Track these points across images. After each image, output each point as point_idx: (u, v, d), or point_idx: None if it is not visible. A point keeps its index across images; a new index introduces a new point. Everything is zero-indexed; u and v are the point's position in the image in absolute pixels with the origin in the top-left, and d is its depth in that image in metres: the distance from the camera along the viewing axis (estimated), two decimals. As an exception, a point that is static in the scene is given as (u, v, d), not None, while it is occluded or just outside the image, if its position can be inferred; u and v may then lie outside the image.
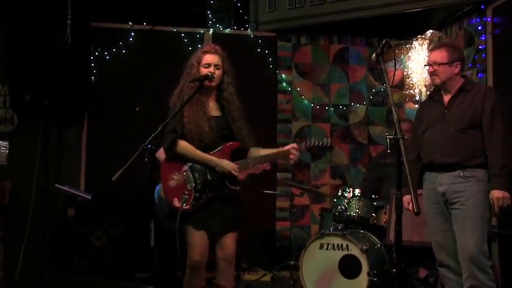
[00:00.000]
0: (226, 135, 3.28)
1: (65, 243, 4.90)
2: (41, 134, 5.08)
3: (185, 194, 3.15)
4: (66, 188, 4.72)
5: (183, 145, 3.21)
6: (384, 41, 2.71)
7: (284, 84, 5.87)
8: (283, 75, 5.86)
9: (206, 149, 3.21)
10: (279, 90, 5.85)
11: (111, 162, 4.95)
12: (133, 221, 4.85)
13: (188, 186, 3.19)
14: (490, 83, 4.57)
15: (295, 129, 5.82)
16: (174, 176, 3.22)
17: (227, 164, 3.17)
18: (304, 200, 5.66)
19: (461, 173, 3.24)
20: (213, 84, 3.28)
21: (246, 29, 5.90)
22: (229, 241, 3.27)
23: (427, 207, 3.43)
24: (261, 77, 5.71)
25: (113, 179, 4.69)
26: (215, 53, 3.31)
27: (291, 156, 3.23)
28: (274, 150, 3.32)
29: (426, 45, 5.80)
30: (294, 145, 3.25)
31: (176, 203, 3.16)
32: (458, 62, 3.36)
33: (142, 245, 4.60)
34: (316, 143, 3.22)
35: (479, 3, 4.76)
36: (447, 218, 3.33)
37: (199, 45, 5.71)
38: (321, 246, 4.24)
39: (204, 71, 3.26)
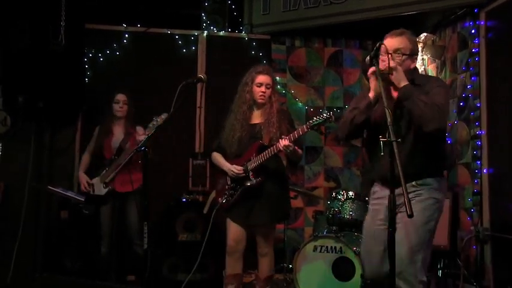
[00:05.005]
0: (259, 138, 3.69)
1: (57, 245, 4.88)
2: (34, 136, 5.04)
3: (225, 193, 3.76)
4: (59, 190, 4.68)
5: (213, 157, 3.89)
6: (377, 43, 2.71)
7: (278, 86, 5.86)
8: (278, 77, 5.84)
9: (242, 151, 3.72)
10: (273, 93, 5.85)
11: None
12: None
13: (227, 186, 3.77)
14: (483, 86, 4.58)
15: (289, 131, 5.82)
16: (220, 180, 3.87)
17: (227, 166, 3.75)
18: (298, 202, 5.66)
19: (414, 182, 2.91)
20: (263, 101, 3.74)
21: (240, 31, 5.90)
22: (261, 235, 3.76)
23: (371, 223, 3.07)
24: (255, 79, 5.69)
25: (107, 180, 4.71)
26: (267, 74, 3.77)
27: (280, 144, 3.49)
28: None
29: (420, 48, 5.82)
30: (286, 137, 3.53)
31: (220, 200, 3.78)
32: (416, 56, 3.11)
33: (135, 247, 4.59)
34: (320, 119, 3.45)
35: (472, 7, 4.78)
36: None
37: (193, 48, 5.72)
38: (315, 249, 4.24)
39: (256, 90, 3.73)
